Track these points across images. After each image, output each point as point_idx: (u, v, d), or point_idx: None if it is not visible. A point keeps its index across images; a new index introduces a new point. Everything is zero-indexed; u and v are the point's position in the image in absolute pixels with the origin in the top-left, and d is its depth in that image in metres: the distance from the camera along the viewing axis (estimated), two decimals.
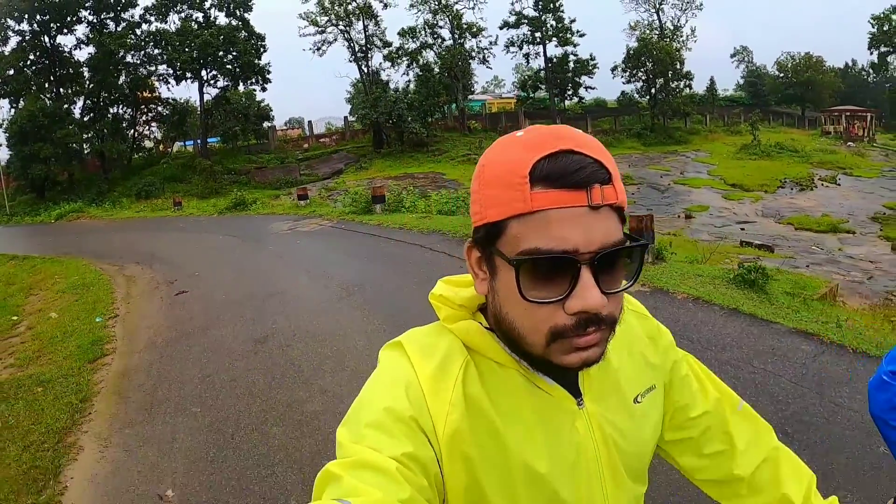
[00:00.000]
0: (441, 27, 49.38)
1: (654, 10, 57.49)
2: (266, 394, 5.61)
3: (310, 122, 56.39)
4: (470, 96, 57.55)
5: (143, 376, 6.45)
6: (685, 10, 57.03)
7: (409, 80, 48.96)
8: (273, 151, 44.34)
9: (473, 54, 50.59)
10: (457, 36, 49.31)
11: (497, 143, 0.85)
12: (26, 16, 38.58)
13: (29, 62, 40.30)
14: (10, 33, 39.54)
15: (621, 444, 0.96)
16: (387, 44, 47.76)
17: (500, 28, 52.89)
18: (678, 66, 51.33)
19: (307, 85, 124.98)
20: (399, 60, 48.64)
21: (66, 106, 40.36)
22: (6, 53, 39.51)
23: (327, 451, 4.36)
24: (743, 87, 79.89)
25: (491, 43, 51.72)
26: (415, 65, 48.54)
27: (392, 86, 47.03)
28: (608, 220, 0.78)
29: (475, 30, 49.75)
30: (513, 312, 0.82)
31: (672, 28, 57.17)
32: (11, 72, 38.93)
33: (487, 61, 52.43)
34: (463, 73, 48.63)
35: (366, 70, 47.43)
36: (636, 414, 1.00)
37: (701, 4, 57.19)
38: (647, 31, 56.49)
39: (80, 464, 4.73)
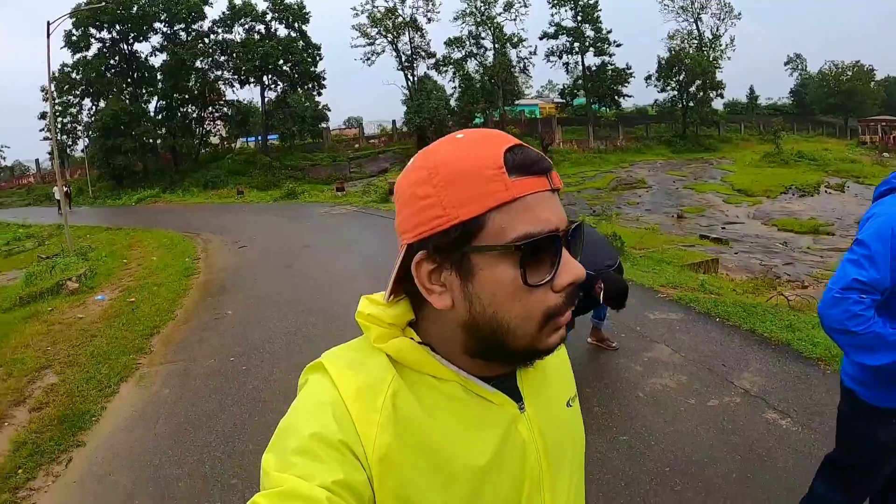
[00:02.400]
0: (484, 38, 52.81)
1: (692, 20, 58.08)
2: (283, 284, 10.03)
3: (360, 124, 60.95)
4: (518, 101, 60.57)
5: (218, 281, 10.70)
6: (723, 19, 57.82)
7: (455, 87, 52.71)
8: (326, 150, 48.42)
9: (514, 63, 53.92)
10: (498, 46, 52.58)
11: (439, 145, 0.84)
12: (106, 25, 43.82)
13: (109, 66, 45.68)
14: (93, 40, 44.90)
15: (562, 448, 0.97)
16: (431, 54, 51.82)
17: (540, 38, 55.28)
18: (711, 76, 52.65)
19: (368, 85, 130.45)
20: (445, 69, 52.49)
21: (142, 105, 45.71)
22: (89, 58, 44.85)
23: (307, 297, 8.79)
24: (793, 95, 79.08)
25: (531, 53, 55.06)
26: (458, 73, 52.20)
27: (437, 92, 50.24)
28: (560, 202, 0.82)
29: (515, 40, 53.10)
30: (503, 308, 0.79)
31: (711, 37, 57.84)
32: (94, 74, 44.27)
33: (527, 70, 55.81)
34: (504, 81, 51.94)
35: (412, 78, 51.38)
36: (570, 418, 1.02)
37: (739, 14, 58.01)
38: (686, 41, 57.37)
39: (183, 309, 8.93)
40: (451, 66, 52.42)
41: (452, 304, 0.81)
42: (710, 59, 54.27)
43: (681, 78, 52.86)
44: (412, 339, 0.86)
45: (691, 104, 53.08)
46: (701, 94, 53.22)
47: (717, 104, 58.31)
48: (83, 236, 19.37)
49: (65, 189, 29.55)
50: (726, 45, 57.95)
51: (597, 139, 50.78)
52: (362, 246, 13.38)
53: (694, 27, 58.15)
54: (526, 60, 54.76)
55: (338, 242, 14.13)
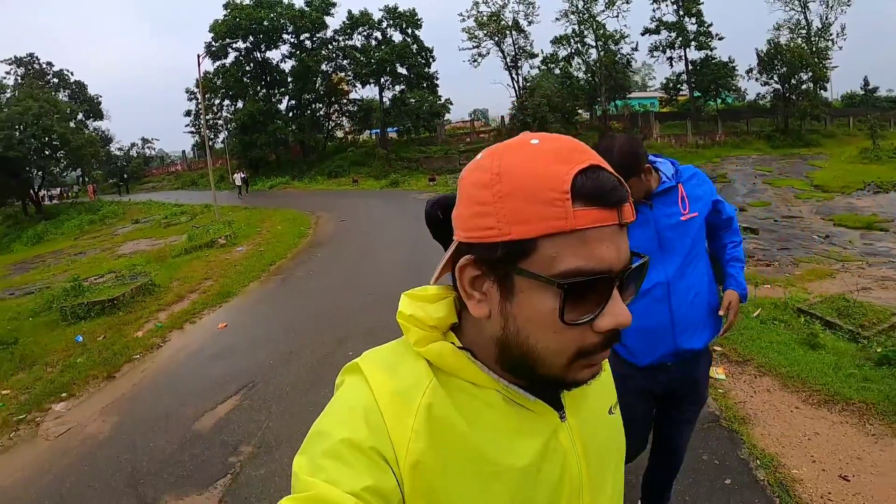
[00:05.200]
0: (586, 36, 54.97)
1: (800, 10, 55.50)
2: (358, 243, 14.55)
3: (471, 119, 64.56)
4: (636, 94, 61.12)
5: (318, 240, 15.55)
6: (832, 6, 54.71)
7: (561, 85, 54.18)
8: (440, 144, 52.16)
9: (617, 59, 55.31)
10: (601, 44, 54.60)
11: (509, 149, 0.78)
12: (240, 37, 49.97)
13: (245, 72, 52.15)
14: (230, 50, 51.34)
15: (605, 457, 0.97)
16: (533, 55, 55.03)
17: (642, 34, 56.05)
18: (816, 67, 50.52)
19: (493, 80, 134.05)
20: (553, 66, 55.17)
21: (275, 105, 51.99)
22: (227, 65, 51.54)
23: (369, 248, 13.39)
24: None
25: (633, 49, 56.21)
26: (563, 71, 54.78)
27: (551, 86, 51.24)
28: (626, 238, 0.77)
29: (617, 37, 54.79)
30: (537, 336, 0.76)
31: (819, 26, 55.24)
32: (232, 80, 50.81)
33: (630, 65, 57.31)
34: (605, 78, 53.91)
35: (516, 77, 54.80)
36: (613, 426, 1.01)
37: (849, 1, 54.52)
38: (794, 31, 55.38)
39: (291, 253, 13.71)
40: (557, 64, 54.87)
41: (489, 314, 0.79)
42: (817, 49, 52.46)
43: (782, 71, 50.77)
44: (453, 343, 0.84)
45: (793, 97, 51.02)
46: (805, 86, 51.28)
47: (831, 96, 55.86)
48: (226, 213, 24.70)
49: (242, 176, 38.13)
50: (836, 33, 55.19)
51: (697, 134, 50.72)
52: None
53: (801, 17, 55.71)
54: (629, 56, 55.93)
55: (410, 218, 18.26)
